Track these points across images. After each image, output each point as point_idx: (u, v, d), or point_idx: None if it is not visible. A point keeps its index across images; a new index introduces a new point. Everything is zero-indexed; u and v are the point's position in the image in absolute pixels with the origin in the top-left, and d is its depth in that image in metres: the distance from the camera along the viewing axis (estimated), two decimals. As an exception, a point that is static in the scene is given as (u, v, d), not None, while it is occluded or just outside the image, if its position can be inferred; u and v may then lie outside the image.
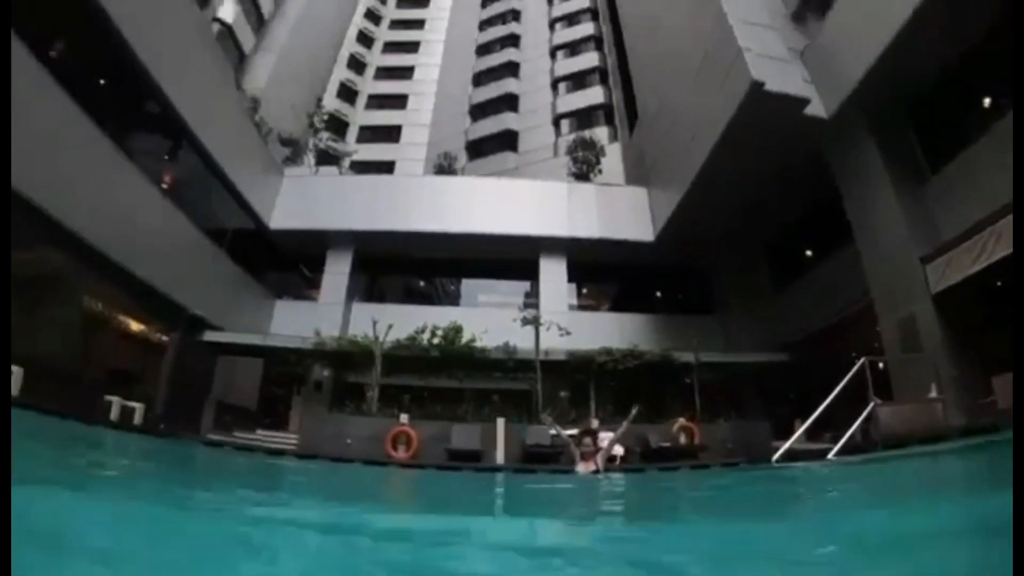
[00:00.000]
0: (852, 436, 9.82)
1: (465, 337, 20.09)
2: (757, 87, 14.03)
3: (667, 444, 15.62)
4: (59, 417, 10.77)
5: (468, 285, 28.74)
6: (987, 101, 12.71)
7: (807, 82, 15.02)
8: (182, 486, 5.39)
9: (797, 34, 16.67)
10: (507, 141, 38.16)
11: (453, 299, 29.11)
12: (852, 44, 13.85)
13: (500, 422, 15.83)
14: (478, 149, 39.00)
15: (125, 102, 17.60)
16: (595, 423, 16.83)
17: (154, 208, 17.65)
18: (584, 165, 27.09)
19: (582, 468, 7.91)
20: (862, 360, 10.63)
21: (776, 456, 9.97)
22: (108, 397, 14.30)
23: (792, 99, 14.44)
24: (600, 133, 31.60)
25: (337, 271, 25.07)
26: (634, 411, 9.15)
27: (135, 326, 17.89)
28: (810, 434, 11.22)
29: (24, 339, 11.96)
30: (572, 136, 31.17)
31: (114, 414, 14.18)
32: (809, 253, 19.89)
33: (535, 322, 19.30)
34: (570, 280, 24.92)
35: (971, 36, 11.76)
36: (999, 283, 11.57)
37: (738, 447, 15.81)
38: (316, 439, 16.19)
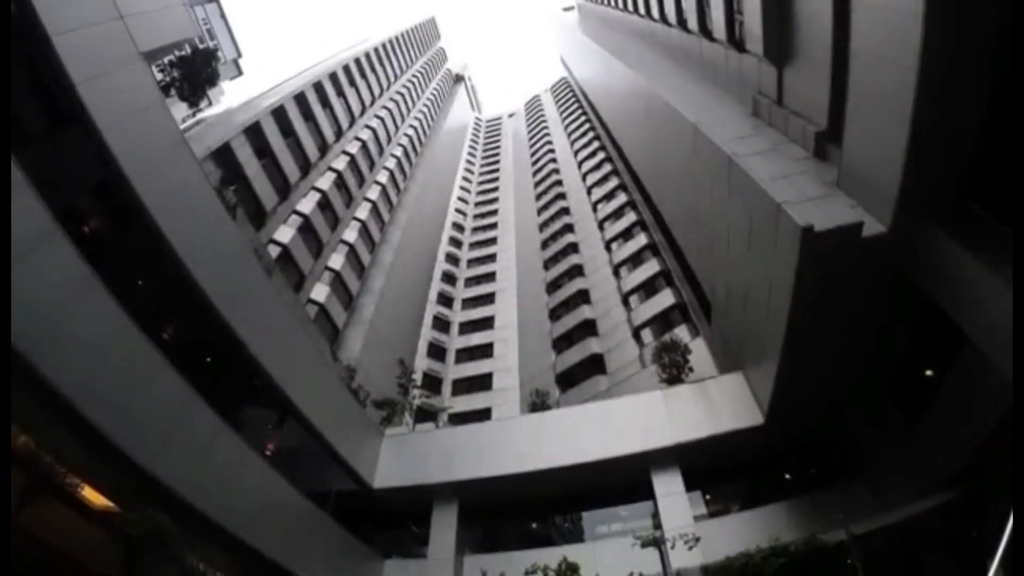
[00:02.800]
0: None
1: (587, 574, 18.30)
2: (808, 232, 13.90)
3: None
4: None
5: (588, 518, 26.81)
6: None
7: (854, 207, 14.83)
8: None
9: (827, 168, 16.78)
10: (594, 365, 38.28)
11: (575, 536, 26.97)
12: (877, 151, 13.89)
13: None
14: (568, 379, 39.18)
15: (232, 378, 19.23)
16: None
17: (259, 475, 18.27)
18: (673, 368, 26.42)
19: None
20: None
21: None
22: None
23: (846, 228, 14.13)
24: (681, 333, 31.35)
25: (444, 525, 24.17)
26: None
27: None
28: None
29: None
30: (655, 343, 31.03)
31: None
32: (930, 373, 17.78)
33: (655, 543, 17.50)
34: (691, 488, 22.83)
35: (981, 92, 11.72)
36: None
37: None
38: None
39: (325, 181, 39.45)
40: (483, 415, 39.25)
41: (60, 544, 10.88)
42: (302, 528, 19.66)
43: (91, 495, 12.74)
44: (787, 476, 24.15)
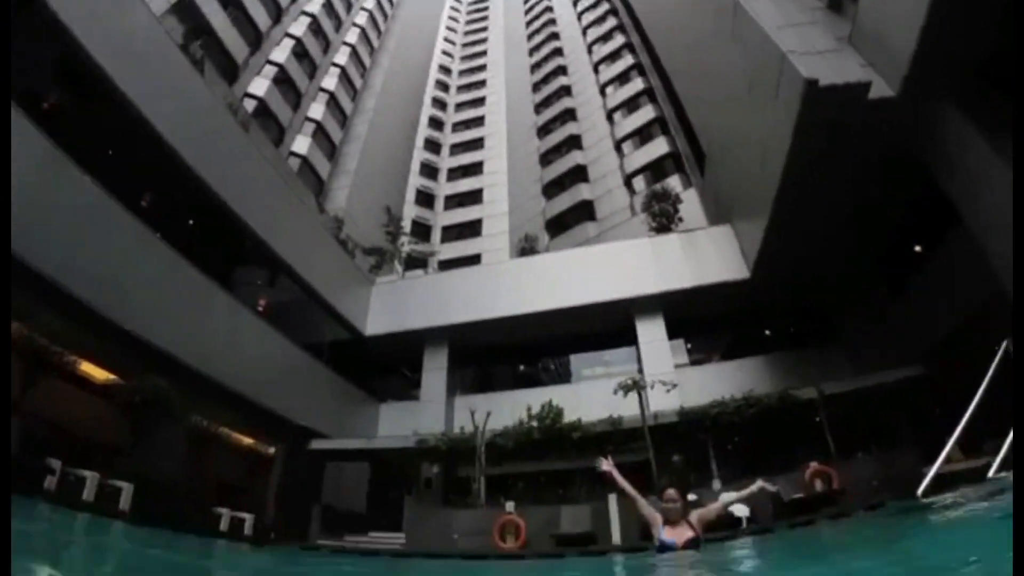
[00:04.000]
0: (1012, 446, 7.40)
1: (570, 415, 19.38)
2: (812, 86, 13.05)
3: (800, 495, 13.98)
4: (171, 531, 11.08)
5: (576, 361, 28.03)
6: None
7: (864, 66, 13.82)
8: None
9: (840, 21, 15.61)
10: (584, 212, 38.28)
11: (563, 378, 28.32)
12: (895, 9, 12.89)
13: (612, 499, 14.78)
14: (558, 225, 39.35)
15: (220, 240, 19.27)
16: (717, 484, 15.53)
17: (253, 330, 18.96)
18: (663, 217, 26.36)
19: (669, 535, 5.55)
20: (1004, 345, 8.46)
21: (921, 488, 7.79)
22: (218, 509, 14.95)
23: (852, 87, 13.21)
24: (673, 182, 31.01)
25: (435, 368, 25.36)
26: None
27: (243, 440, 18.82)
28: (967, 448, 9.54)
29: (135, 459, 13.22)
30: (646, 191, 30.79)
31: (224, 525, 14.79)
32: (918, 249, 17.94)
33: (635, 387, 18.38)
34: (673, 337, 23.64)
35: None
36: None
37: (884, 483, 13.78)
38: (422, 536, 15.94)
39: (299, 27, 36.78)
40: (473, 261, 39.65)
41: (65, 419, 11.42)
42: (299, 379, 20.67)
43: (90, 369, 13.22)
44: (767, 332, 25.07)
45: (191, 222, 18.42)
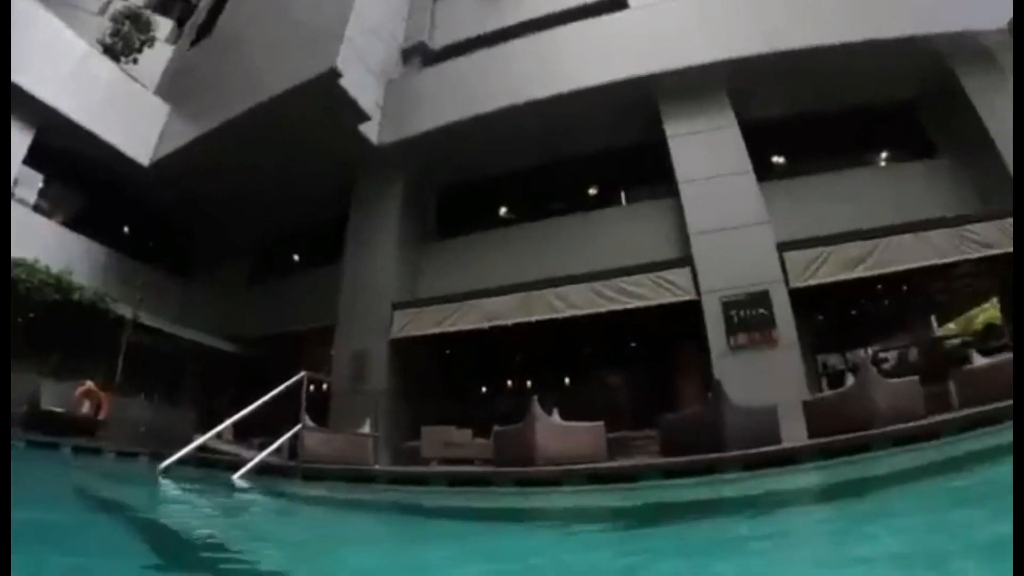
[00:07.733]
0: (280, 452, 8.70)
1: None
2: (333, 75, 13.15)
3: (61, 410, 11.40)
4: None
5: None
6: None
7: (378, 105, 14.98)
8: None
9: (399, 66, 16.94)
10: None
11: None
12: (421, 106, 14.86)
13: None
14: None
15: None
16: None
17: None
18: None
19: None
20: (302, 374, 8.37)
21: (164, 464, 6.43)
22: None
23: (355, 107, 13.91)
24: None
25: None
26: None
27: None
28: (242, 436, 11.39)
29: None
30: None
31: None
32: (297, 258, 19.33)
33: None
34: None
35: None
36: (448, 351, 14.89)
37: (153, 434, 12.21)
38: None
39: None
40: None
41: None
42: None
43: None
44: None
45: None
